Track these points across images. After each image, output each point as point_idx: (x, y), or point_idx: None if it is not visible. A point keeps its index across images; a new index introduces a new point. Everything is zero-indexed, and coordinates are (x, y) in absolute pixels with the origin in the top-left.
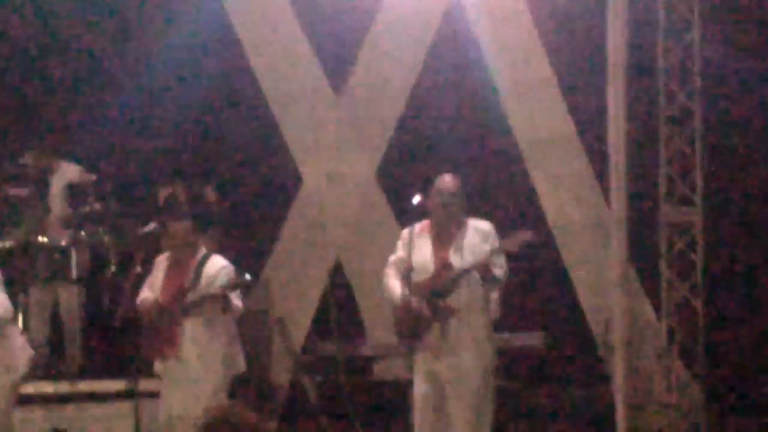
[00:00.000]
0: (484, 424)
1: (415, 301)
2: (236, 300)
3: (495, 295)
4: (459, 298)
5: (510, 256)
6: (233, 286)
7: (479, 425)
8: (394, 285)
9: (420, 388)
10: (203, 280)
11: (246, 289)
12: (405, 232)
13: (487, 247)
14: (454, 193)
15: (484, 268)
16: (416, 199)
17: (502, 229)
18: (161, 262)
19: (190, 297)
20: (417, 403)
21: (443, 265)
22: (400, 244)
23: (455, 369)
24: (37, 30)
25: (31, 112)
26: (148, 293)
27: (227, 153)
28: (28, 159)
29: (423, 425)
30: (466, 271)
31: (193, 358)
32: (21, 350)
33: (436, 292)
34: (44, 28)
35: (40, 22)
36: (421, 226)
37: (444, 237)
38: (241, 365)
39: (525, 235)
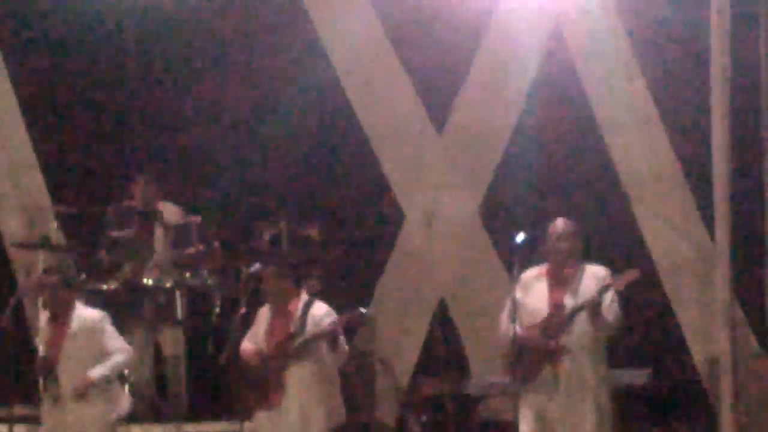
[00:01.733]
0: None
1: (533, 339)
2: (342, 343)
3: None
4: (572, 338)
5: (618, 294)
6: (348, 321)
7: None
8: (506, 327)
9: (528, 428)
10: (309, 325)
11: (360, 323)
12: (526, 275)
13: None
14: (567, 237)
15: (591, 307)
16: (520, 237)
17: (608, 267)
18: (263, 314)
19: (298, 341)
20: None
21: (556, 306)
22: (518, 288)
23: (568, 410)
24: (142, 76)
25: (136, 156)
26: (251, 344)
27: (331, 192)
28: (133, 201)
29: None
30: (576, 310)
31: (296, 409)
32: (122, 390)
33: (548, 332)
34: (147, 74)
35: (142, 68)
36: (539, 269)
37: (559, 280)
38: (343, 416)
39: (632, 274)
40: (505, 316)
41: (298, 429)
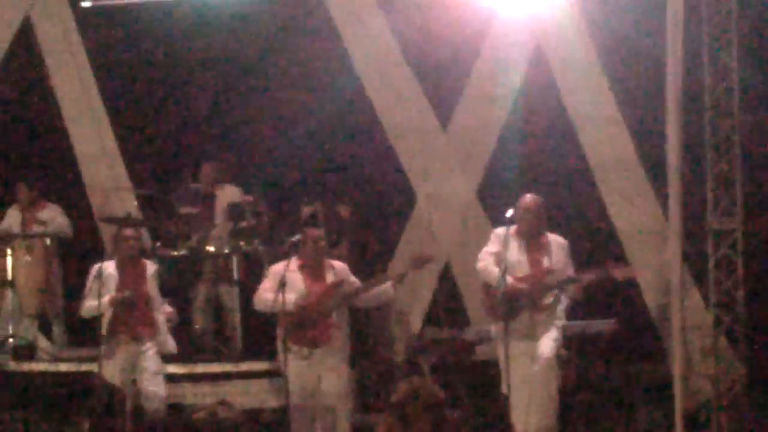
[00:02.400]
0: (554, 388)
1: (517, 287)
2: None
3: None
4: (549, 297)
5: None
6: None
7: (551, 389)
8: (493, 270)
9: (514, 365)
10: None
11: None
12: (500, 230)
13: (564, 258)
14: (532, 209)
15: (571, 282)
16: (509, 212)
17: (578, 240)
18: (278, 270)
19: (339, 292)
20: (511, 378)
21: (547, 271)
22: (494, 239)
23: (535, 349)
24: (206, 80)
25: (201, 146)
26: (277, 295)
27: (356, 177)
28: (199, 183)
29: (515, 396)
30: (566, 282)
31: (338, 344)
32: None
33: (535, 291)
34: (210, 79)
35: (207, 73)
36: (512, 229)
37: (533, 244)
38: (349, 349)
39: (597, 273)
40: (490, 267)
41: (336, 363)
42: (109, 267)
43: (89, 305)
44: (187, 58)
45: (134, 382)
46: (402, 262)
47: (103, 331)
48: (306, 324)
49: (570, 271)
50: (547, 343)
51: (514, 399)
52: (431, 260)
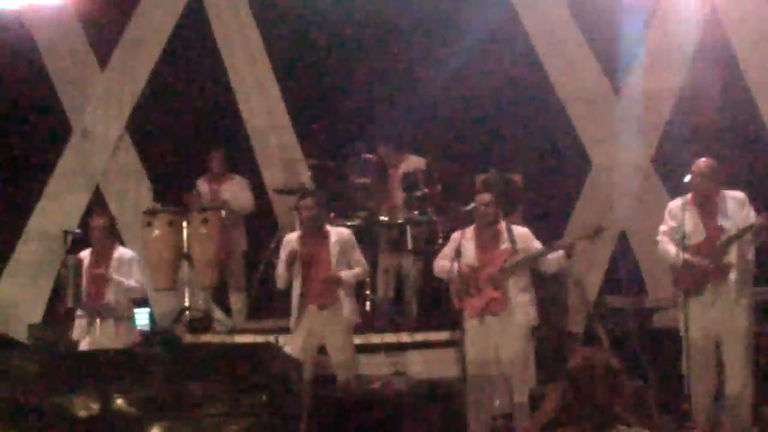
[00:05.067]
0: (748, 364)
1: (697, 259)
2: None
3: (751, 256)
4: (730, 256)
5: None
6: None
7: (746, 366)
8: (673, 249)
9: (694, 336)
10: (519, 243)
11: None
12: (673, 203)
13: (744, 213)
14: (707, 174)
15: (754, 231)
16: (687, 178)
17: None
18: (467, 236)
19: (513, 259)
20: (690, 349)
21: (714, 229)
22: (667, 215)
23: (728, 322)
24: (379, 37)
25: (376, 117)
26: (452, 263)
27: (531, 144)
28: (373, 154)
29: (694, 366)
30: (737, 236)
31: (511, 313)
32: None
33: (713, 255)
34: (389, 48)
35: (388, 43)
36: (684, 199)
37: (707, 207)
38: (536, 319)
39: None
40: (664, 246)
41: (514, 330)
42: (292, 238)
43: (281, 274)
44: (357, 25)
45: (318, 351)
46: (575, 231)
47: (293, 302)
48: (476, 292)
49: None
50: (740, 313)
51: (694, 370)
52: (601, 231)
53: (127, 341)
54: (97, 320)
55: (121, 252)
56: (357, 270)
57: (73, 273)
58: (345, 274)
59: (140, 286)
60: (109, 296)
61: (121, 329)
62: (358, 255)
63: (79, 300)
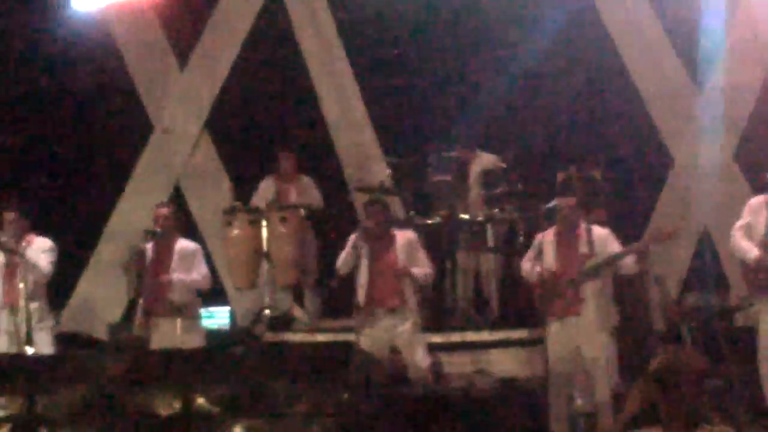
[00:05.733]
0: None
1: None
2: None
3: None
4: None
5: None
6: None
7: None
8: (747, 245)
9: (765, 334)
10: (597, 246)
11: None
12: (754, 200)
13: None
14: None
15: None
16: None
17: None
18: (539, 239)
19: (590, 263)
20: (762, 346)
21: None
22: (746, 211)
23: None
24: (451, 32)
25: (454, 115)
26: (535, 266)
27: (611, 141)
28: (451, 152)
29: (763, 364)
30: None
31: (590, 314)
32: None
33: None
34: (456, 47)
35: (446, 42)
36: (765, 197)
37: None
38: (616, 319)
39: None
40: (738, 242)
41: (594, 331)
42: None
43: (344, 258)
44: (436, 22)
45: (391, 351)
46: (650, 234)
47: (360, 302)
48: (555, 294)
49: None
50: None
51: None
52: (674, 235)
53: (188, 341)
54: (157, 319)
55: (183, 244)
56: (426, 269)
57: (134, 265)
58: (415, 270)
59: (202, 279)
60: (173, 295)
61: (183, 329)
62: (423, 256)
63: (140, 293)
